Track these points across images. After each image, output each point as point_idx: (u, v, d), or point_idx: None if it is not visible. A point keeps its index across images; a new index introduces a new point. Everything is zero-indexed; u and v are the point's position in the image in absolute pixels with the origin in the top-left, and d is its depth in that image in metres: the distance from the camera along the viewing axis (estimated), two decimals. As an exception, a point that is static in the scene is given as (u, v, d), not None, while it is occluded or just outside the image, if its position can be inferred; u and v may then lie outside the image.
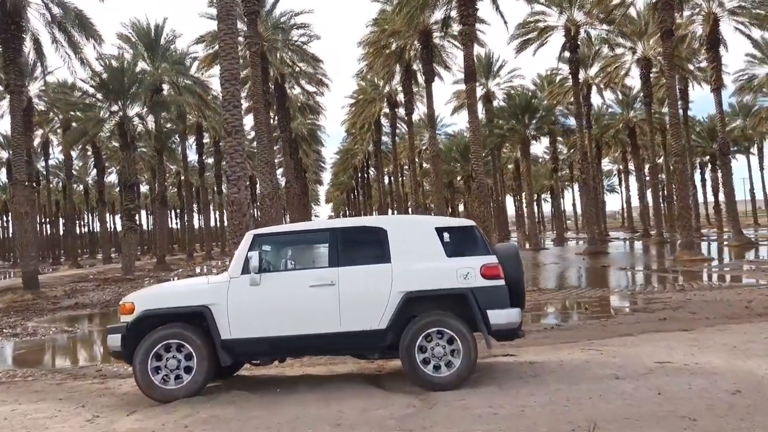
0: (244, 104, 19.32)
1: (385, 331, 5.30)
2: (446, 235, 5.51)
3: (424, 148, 62.82)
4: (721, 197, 58.85)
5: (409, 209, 61.36)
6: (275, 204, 21.57)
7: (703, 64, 40.50)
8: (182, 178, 61.01)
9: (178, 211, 79.06)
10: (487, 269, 5.33)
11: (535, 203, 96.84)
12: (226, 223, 23.26)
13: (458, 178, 67.88)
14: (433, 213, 56.00)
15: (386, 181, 71.71)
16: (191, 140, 52.08)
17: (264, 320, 5.38)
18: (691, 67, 39.41)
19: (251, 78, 23.57)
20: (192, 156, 57.48)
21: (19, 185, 19.99)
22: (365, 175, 75.41)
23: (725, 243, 31.40)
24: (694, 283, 14.60)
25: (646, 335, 7.91)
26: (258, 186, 25.39)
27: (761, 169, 71.85)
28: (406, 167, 65.99)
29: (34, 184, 40.65)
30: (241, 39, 26.21)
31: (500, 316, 5.27)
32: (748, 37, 32.42)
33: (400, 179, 62.87)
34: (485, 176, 21.84)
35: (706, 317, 9.34)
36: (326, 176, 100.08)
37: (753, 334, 7.17)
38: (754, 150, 68.18)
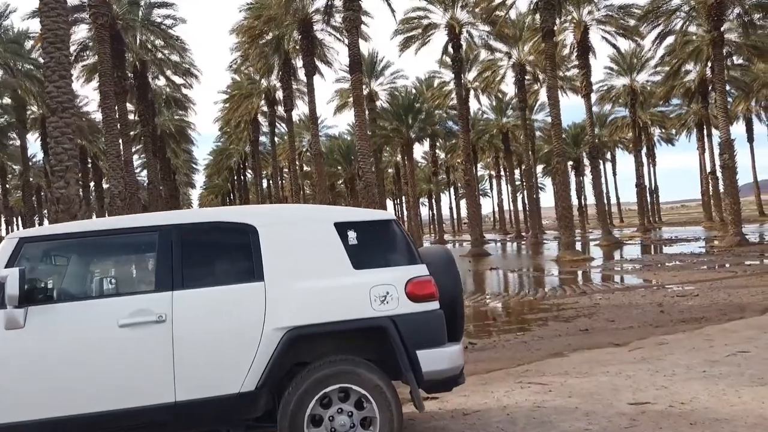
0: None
1: (253, 395, 3.25)
2: (352, 235, 3.54)
3: (305, 149, 60.53)
4: (591, 200, 63.36)
5: (289, 213, 58.62)
6: (129, 206, 18.29)
7: (569, 73, 42.78)
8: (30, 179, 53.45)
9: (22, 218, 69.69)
10: (415, 286, 3.44)
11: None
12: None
13: (340, 182, 66.34)
14: None
15: (264, 184, 68.24)
16: (36, 136, 45.44)
17: (30, 391, 3.07)
18: (560, 74, 41.17)
19: (98, 55, 20.02)
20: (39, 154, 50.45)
21: None
22: (242, 178, 71.30)
23: (596, 243, 32.70)
24: (591, 285, 14.01)
25: (580, 355, 6.57)
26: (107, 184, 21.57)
27: (614, 174, 78.67)
28: (286, 169, 63.24)
29: None
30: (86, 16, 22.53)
31: (437, 359, 3.39)
32: (614, 46, 34.18)
33: (280, 182, 60.04)
34: (372, 173, 20.26)
35: (629, 326, 8.31)
36: (200, 179, 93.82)
37: (704, 351, 6.05)
38: (609, 157, 74.13)
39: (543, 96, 49.39)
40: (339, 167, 57.58)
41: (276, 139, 48.49)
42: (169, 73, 33.04)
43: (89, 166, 53.00)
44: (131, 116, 34.80)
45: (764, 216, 55.60)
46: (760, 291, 10.85)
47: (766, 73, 45.72)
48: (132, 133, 45.26)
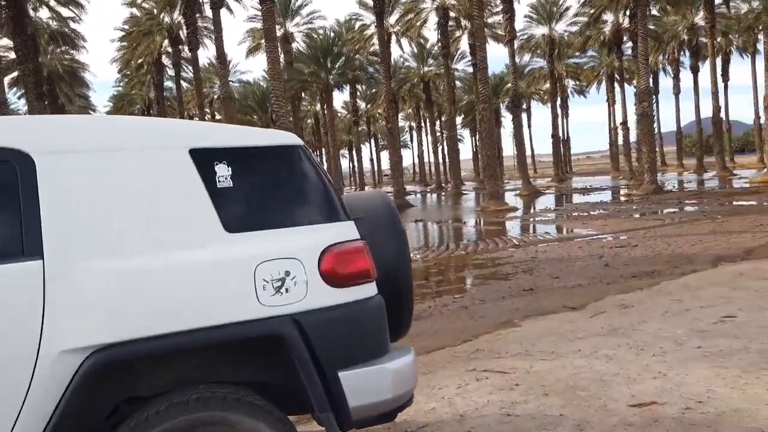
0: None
1: None
2: (223, 172, 1.98)
3: (216, 97, 56.45)
4: (507, 152, 63.99)
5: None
6: None
7: (490, 20, 41.79)
8: None
9: None
10: (337, 259, 1.98)
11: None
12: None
13: (255, 131, 62.91)
14: None
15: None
16: None
17: None
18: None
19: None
20: None
21: None
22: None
23: (516, 193, 32.66)
24: (525, 237, 13.21)
25: (534, 324, 5.48)
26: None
27: (529, 126, 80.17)
28: (197, 118, 58.91)
29: None
30: None
31: (374, 385, 1.97)
32: (537, -9, 33.24)
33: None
34: (288, 118, 18.34)
35: (578, 284, 7.37)
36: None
37: (682, 316, 5.10)
38: (525, 107, 75.11)
39: (464, 44, 48.31)
40: (255, 116, 54.22)
41: (184, 84, 44.51)
42: (53, 3, 28.64)
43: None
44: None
45: (665, 165, 58.54)
46: (697, 240, 10.38)
47: (674, 26, 47.01)
48: (15, 75, 39.97)
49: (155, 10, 34.46)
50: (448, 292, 7.76)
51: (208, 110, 44.40)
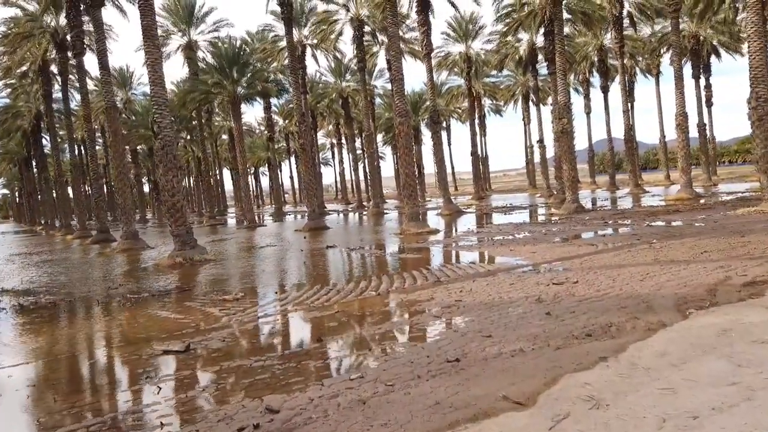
0: None
1: None
2: None
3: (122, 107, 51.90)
4: (428, 169, 63.06)
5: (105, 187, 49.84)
6: None
7: (407, 35, 40.79)
8: None
9: None
10: None
11: (252, 177, 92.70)
12: None
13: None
14: (113, 188, 45.86)
15: (76, 150, 57.43)
16: None
17: None
18: (401, 33, 38.88)
19: None
20: None
21: None
22: (38, 143, 59.60)
23: (437, 213, 31.26)
24: (446, 268, 11.32)
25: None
26: None
27: (449, 144, 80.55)
28: (101, 134, 53.83)
29: None
30: None
31: None
32: (453, 5, 32.33)
33: (95, 148, 50.82)
34: (172, 129, 15.64)
35: (518, 349, 5.45)
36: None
37: (687, 426, 3.23)
38: (444, 126, 75.15)
39: (382, 60, 47.19)
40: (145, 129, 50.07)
41: (78, 94, 40.09)
42: None
43: None
44: None
45: (579, 183, 59.81)
46: (644, 273, 8.89)
47: (585, 46, 48.11)
48: None
49: (38, 12, 30.44)
50: (344, 367, 5.61)
51: (97, 124, 40.08)
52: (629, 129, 40.47)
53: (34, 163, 67.67)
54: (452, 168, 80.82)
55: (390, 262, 13.74)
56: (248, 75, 31.85)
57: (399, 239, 18.46)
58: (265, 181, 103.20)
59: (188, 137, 57.91)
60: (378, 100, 59.87)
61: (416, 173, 20.68)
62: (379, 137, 63.69)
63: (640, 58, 51.51)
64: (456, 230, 20.73)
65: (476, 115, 59.21)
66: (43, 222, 68.12)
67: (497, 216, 26.46)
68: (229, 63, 31.09)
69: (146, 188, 71.59)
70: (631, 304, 6.89)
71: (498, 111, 71.08)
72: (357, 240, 19.15)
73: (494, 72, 55.04)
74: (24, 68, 39.61)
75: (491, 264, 11.82)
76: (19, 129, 59.44)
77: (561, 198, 27.68)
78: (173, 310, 9.23)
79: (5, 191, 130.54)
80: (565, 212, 23.38)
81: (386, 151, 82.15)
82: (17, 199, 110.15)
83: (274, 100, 50.17)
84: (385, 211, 36.56)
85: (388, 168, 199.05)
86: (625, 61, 40.78)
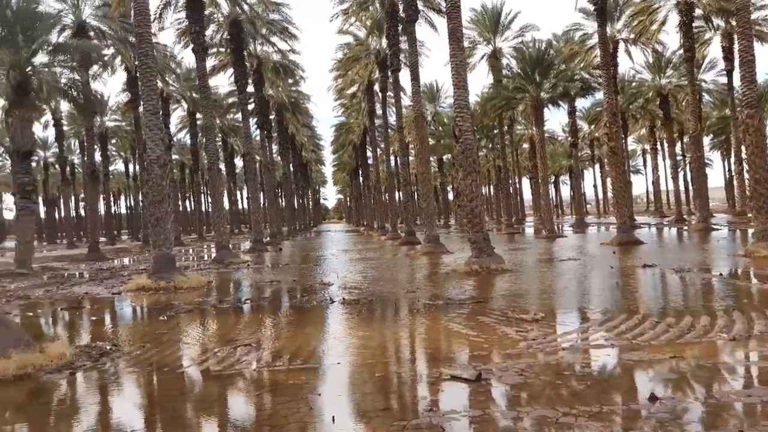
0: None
1: None
2: None
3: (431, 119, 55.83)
4: None
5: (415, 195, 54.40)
6: (166, 174, 15.04)
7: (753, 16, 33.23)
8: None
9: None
10: None
11: (552, 185, 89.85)
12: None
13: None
14: (418, 194, 48.75)
15: (392, 161, 64.18)
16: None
17: None
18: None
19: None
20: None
21: None
22: (364, 154, 68.26)
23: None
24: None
25: None
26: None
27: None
28: (413, 145, 58.89)
29: None
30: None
31: None
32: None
33: (408, 158, 55.84)
34: (472, 133, 15.10)
35: None
36: (329, 156, 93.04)
37: None
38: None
39: (714, 50, 39.91)
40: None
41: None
42: (264, 31, 30.00)
43: (219, 141, 53.14)
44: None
45: None
46: None
47: None
48: (229, 100, 43.77)
49: (360, 32, 34.38)
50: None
51: (409, 136, 43.14)
52: None
53: (359, 172, 78.26)
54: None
55: (739, 293, 10.48)
56: (552, 77, 30.14)
57: (743, 263, 14.45)
58: (564, 190, 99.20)
59: (489, 146, 58.91)
60: (705, 97, 51.19)
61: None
62: (706, 140, 54.39)
63: None
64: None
65: None
66: (364, 223, 78.12)
67: None
68: (533, 66, 29.90)
69: (450, 196, 75.76)
70: None
71: None
72: (682, 260, 15.71)
73: None
74: (353, 89, 45.54)
75: None
76: (350, 143, 69.34)
77: None
78: (466, 325, 8.30)
79: (340, 196, 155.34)
80: None
81: (713, 157, 70.25)
82: (348, 203, 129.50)
83: (579, 104, 47.27)
84: (714, 227, 30.47)
85: (715, 177, 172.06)
86: None
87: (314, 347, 7.46)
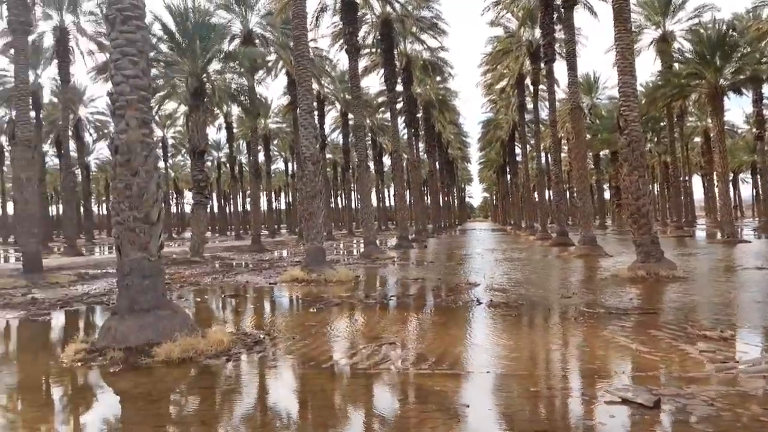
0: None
1: None
2: None
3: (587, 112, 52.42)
4: None
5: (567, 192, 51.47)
6: (319, 171, 15.50)
7: None
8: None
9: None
10: None
11: (731, 183, 79.67)
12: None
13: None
14: (571, 192, 45.46)
15: (542, 157, 61.38)
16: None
17: None
18: None
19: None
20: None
21: (20, 145, 16.57)
22: (512, 151, 66.05)
23: None
24: None
25: None
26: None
27: None
28: (566, 140, 55.77)
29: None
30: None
31: None
32: None
33: (560, 154, 53.28)
34: (639, 124, 13.53)
35: None
36: (475, 153, 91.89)
37: None
38: None
39: None
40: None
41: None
42: (414, 29, 30.08)
43: (369, 140, 54.99)
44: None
45: None
46: None
47: None
48: (379, 99, 44.55)
49: (511, 24, 33.05)
50: None
51: (563, 132, 40.73)
52: None
53: (507, 170, 76.03)
54: None
55: None
56: (734, 60, 26.39)
57: None
58: (744, 190, 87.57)
59: (654, 140, 53.77)
60: None
61: None
62: None
63: None
64: None
65: None
66: (511, 222, 75.72)
67: None
68: (712, 49, 26.39)
69: (606, 195, 70.58)
70: None
71: None
72: None
73: None
74: (502, 84, 44.10)
75: None
76: (498, 140, 67.57)
77: None
78: (635, 338, 7.29)
79: (485, 194, 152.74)
80: None
81: None
82: (494, 201, 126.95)
83: (765, 91, 41.12)
84: None
85: None
86: None
87: (460, 351, 7.01)
